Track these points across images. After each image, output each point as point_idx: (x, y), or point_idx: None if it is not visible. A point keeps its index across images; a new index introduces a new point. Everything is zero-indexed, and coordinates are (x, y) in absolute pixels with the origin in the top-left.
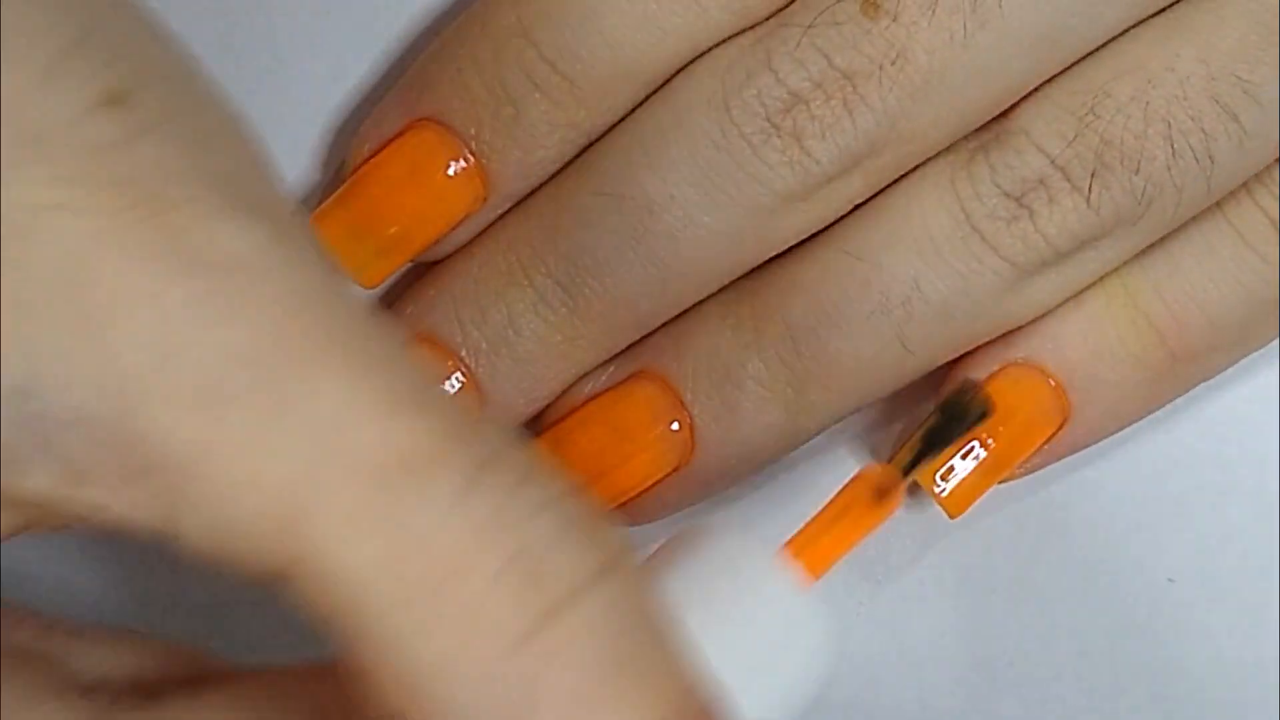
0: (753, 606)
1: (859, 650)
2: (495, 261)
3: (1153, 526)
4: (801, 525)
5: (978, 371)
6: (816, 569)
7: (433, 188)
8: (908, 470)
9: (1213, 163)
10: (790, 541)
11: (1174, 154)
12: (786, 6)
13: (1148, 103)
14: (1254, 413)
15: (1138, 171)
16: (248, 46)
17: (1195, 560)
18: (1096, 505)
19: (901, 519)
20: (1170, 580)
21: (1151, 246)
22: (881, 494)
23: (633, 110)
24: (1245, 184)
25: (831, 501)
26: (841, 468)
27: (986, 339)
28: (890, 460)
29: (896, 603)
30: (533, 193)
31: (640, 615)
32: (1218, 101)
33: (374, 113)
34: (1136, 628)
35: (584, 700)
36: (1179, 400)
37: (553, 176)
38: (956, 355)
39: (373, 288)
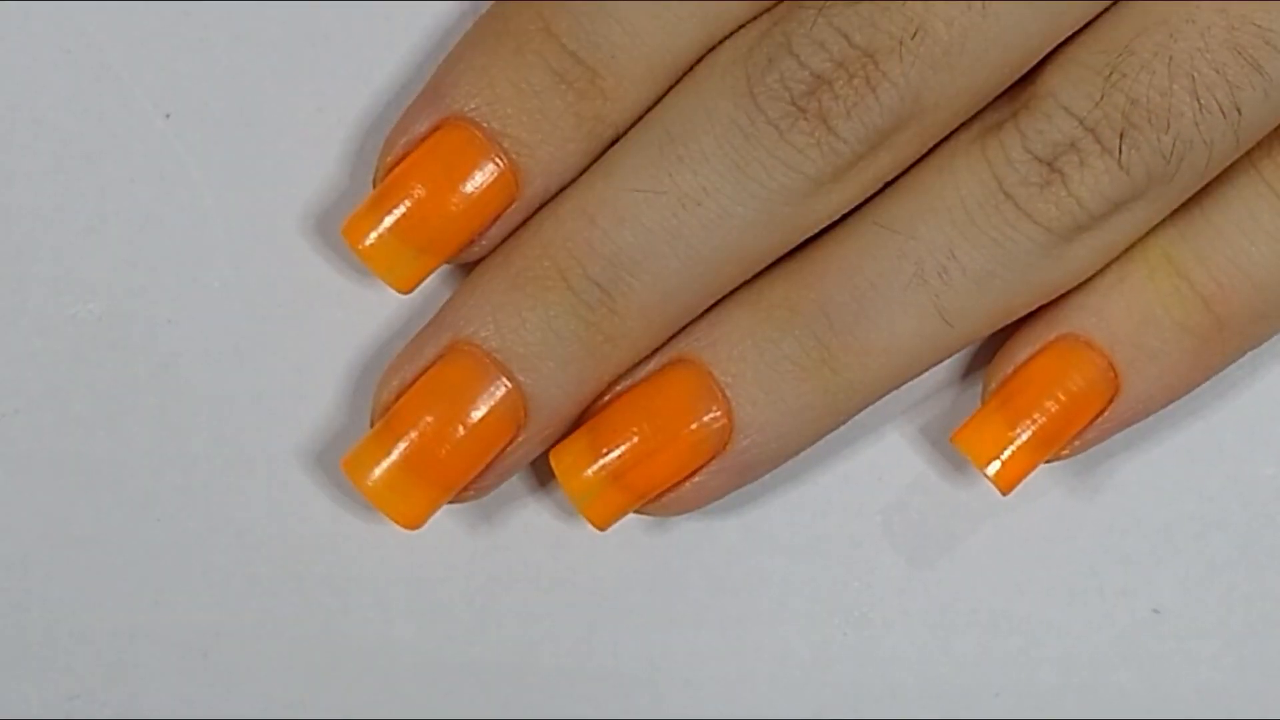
0: None
1: (843, 681)
2: (531, 267)
3: (1138, 557)
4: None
5: (1025, 348)
6: None
7: (466, 187)
8: None
9: (1239, 114)
10: None
11: (1200, 109)
12: None
13: (1170, 57)
14: (1238, 444)
15: (1167, 130)
16: (273, 53)
17: (1181, 591)
18: (1082, 535)
19: (886, 548)
20: (1155, 611)
21: (1191, 213)
22: None
23: (657, 102)
24: None
25: None
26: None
27: (1025, 310)
28: None
29: (881, 633)
30: (562, 193)
31: None
32: (1240, 52)
33: (401, 116)
34: (1122, 658)
35: None
36: (1164, 431)
37: (581, 174)
38: (995, 328)
39: (408, 291)
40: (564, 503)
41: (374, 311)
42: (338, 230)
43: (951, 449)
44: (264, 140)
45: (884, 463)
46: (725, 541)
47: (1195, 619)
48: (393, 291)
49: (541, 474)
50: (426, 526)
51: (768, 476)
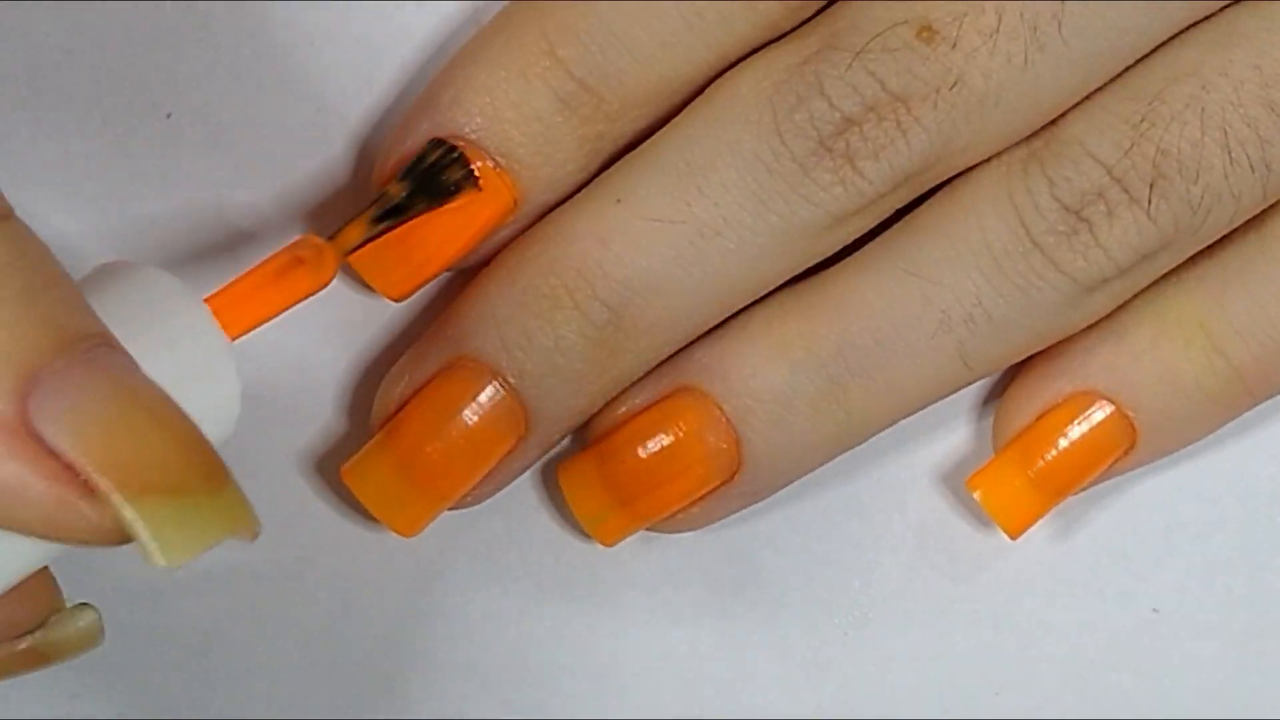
0: (169, 344)
1: (843, 679)
2: (538, 285)
3: (1138, 557)
4: (231, 280)
5: (1048, 394)
6: (238, 325)
7: (462, 203)
8: (335, 235)
9: (1269, 170)
10: (217, 294)
11: (1231, 162)
12: (814, 17)
13: (1203, 109)
14: (1238, 444)
15: (1196, 181)
16: (273, 53)
17: (1181, 591)
18: (1082, 535)
19: (886, 548)
20: (1155, 611)
21: (1230, 285)
22: (315, 262)
23: (667, 119)
24: None
25: (264, 262)
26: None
27: (1042, 348)
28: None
29: (881, 631)
30: (570, 212)
31: (26, 259)
32: (1273, 108)
33: (397, 127)
34: (1121, 658)
35: None
36: None
37: (584, 189)
38: (1011, 364)
39: (402, 299)
40: (565, 503)
41: (374, 315)
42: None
43: (951, 448)
44: (264, 140)
45: (884, 463)
46: (725, 541)
47: (1195, 619)
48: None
49: (543, 474)
50: (428, 529)
51: None
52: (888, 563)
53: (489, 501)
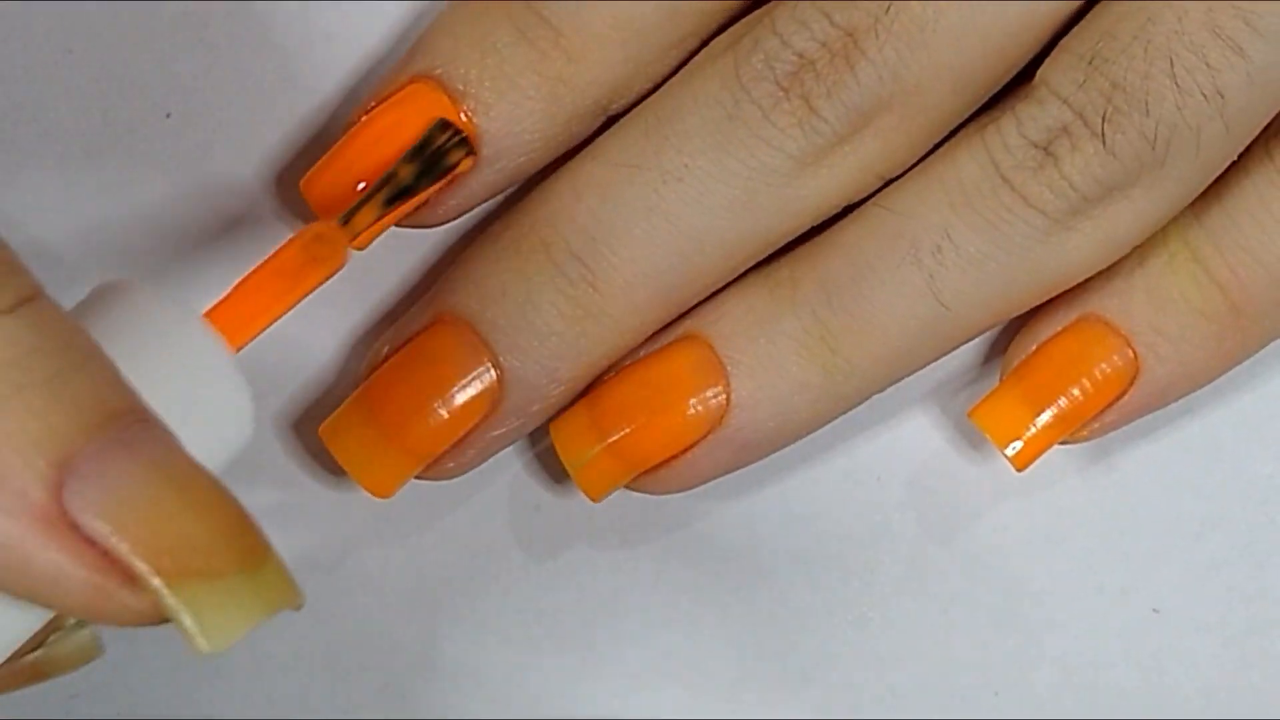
0: (172, 365)
1: (843, 680)
2: (518, 242)
3: (1138, 556)
4: (239, 280)
5: (1045, 329)
6: (251, 326)
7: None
8: (347, 219)
9: (1223, 99)
10: (215, 306)
11: (1181, 92)
12: None
13: (1149, 41)
14: (1237, 443)
15: (1147, 113)
16: (273, 53)
17: (1181, 590)
18: (1082, 534)
19: (886, 548)
20: (1155, 610)
21: (1209, 201)
22: (326, 253)
23: (632, 77)
24: None
25: (272, 256)
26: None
27: (1028, 303)
28: (345, 220)
29: (881, 632)
30: (554, 176)
31: (54, 341)
32: (1218, 34)
33: (380, 77)
34: (1122, 658)
35: None
36: (1164, 429)
37: (569, 157)
38: (998, 320)
39: (363, 248)
40: (565, 501)
41: (372, 304)
42: None
43: (951, 448)
44: (264, 140)
45: (884, 462)
46: (726, 541)
47: (1195, 619)
48: (388, 279)
49: (544, 473)
50: (427, 527)
51: (768, 476)
52: (888, 562)
53: (489, 502)
